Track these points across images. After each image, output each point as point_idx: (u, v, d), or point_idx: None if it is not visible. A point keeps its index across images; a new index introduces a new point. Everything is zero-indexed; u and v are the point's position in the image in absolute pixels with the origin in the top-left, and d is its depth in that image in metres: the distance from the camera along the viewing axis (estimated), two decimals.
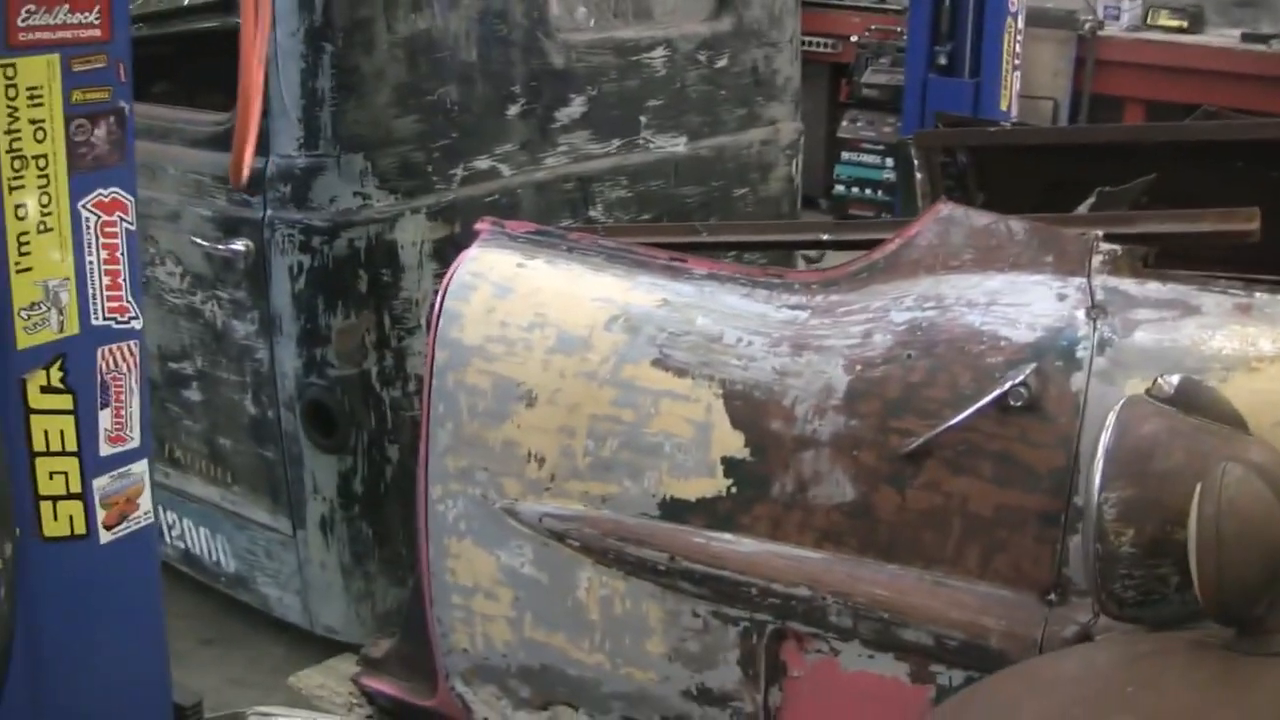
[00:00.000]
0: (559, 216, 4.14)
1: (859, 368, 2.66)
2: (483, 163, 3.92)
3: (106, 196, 2.46)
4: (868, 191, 8.93)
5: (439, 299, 3.09)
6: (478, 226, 3.20)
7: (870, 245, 2.94)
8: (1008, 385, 2.48)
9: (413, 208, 3.77)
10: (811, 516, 2.68)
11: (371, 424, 3.85)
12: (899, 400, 2.61)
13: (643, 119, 4.42)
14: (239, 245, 3.80)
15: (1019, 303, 2.59)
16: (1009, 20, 6.75)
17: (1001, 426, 2.51)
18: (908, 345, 2.65)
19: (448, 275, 3.11)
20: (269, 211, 3.72)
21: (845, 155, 9.04)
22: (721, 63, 4.68)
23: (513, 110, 3.98)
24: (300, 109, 3.64)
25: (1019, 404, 2.47)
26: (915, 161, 5.04)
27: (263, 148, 3.66)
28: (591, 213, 4.25)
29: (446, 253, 3.77)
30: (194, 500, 4.30)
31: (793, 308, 2.83)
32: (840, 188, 9.04)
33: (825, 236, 3.09)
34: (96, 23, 2.38)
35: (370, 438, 3.86)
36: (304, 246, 3.71)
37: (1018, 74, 6.88)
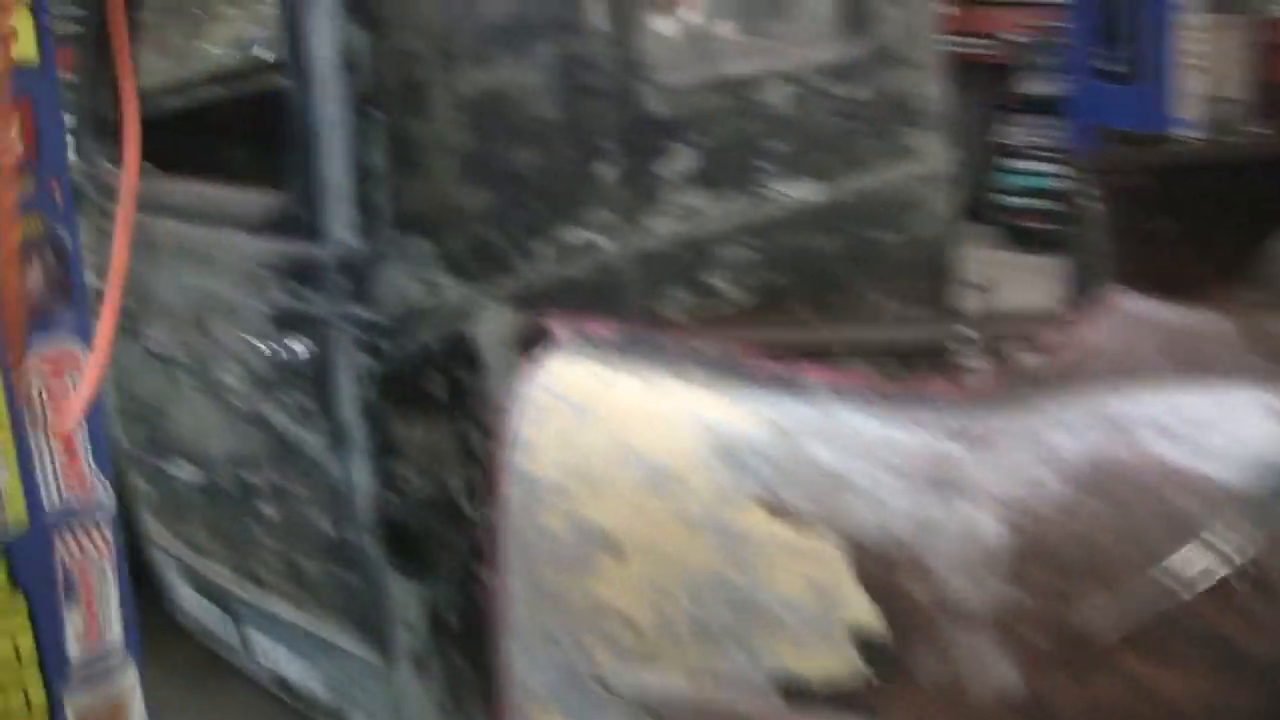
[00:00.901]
0: (673, 290, 3.56)
1: (1024, 519, 2.04)
2: (575, 235, 3.34)
3: (51, 352, 1.92)
4: (1039, 202, 8.21)
5: (507, 423, 2.52)
6: (551, 328, 2.62)
7: (1027, 338, 2.30)
8: (1219, 545, 1.83)
9: (493, 295, 3.19)
10: (967, 711, 2.05)
11: (462, 548, 3.28)
12: (1077, 564, 1.98)
13: (766, 165, 3.81)
14: (299, 346, 3.26)
15: (1231, 430, 1.93)
16: (1180, 14, 5.98)
17: (1214, 601, 1.86)
18: (1086, 489, 2.03)
19: (516, 393, 2.53)
20: (328, 307, 3.17)
21: (1012, 164, 8.34)
22: (855, 91, 4.04)
23: (607, 171, 3.40)
24: (352, 187, 3.09)
25: (1234, 571, 1.81)
26: (1088, 188, 4.38)
27: (316, 234, 3.12)
28: (712, 280, 3.65)
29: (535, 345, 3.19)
30: (280, 623, 3.79)
31: (935, 434, 2.21)
32: (1009, 199, 8.33)
33: (971, 332, 2.45)
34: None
35: (462, 563, 3.30)
36: (368, 347, 3.16)
37: (1198, 73, 6.10)
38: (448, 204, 3.16)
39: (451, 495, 3.28)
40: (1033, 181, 8.33)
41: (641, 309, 3.50)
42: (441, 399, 3.21)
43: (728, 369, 2.45)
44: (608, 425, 2.50)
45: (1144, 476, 2.03)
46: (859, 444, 2.26)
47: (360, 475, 3.31)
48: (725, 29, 4.59)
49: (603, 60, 3.39)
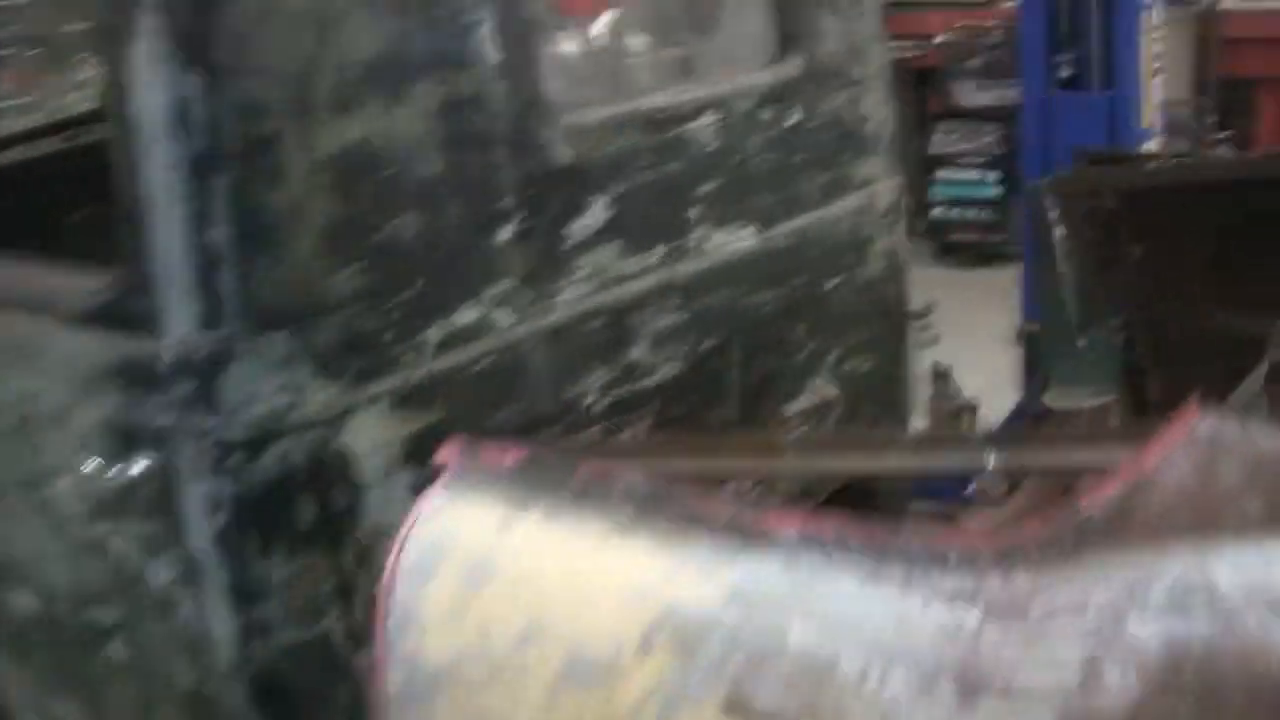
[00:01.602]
0: (588, 368, 2.95)
1: None
2: (468, 314, 2.75)
3: None
4: (970, 212, 7.70)
5: (383, 588, 1.92)
6: (439, 459, 2.03)
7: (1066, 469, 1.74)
8: None
9: (369, 397, 2.59)
10: None
11: (343, 702, 2.67)
12: None
13: (693, 213, 3.21)
14: (139, 464, 2.62)
15: None
16: (1144, 15, 5.42)
17: None
18: (1169, 688, 1.44)
19: (393, 547, 1.93)
20: (169, 417, 2.54)
21: (941, 174, 7.82)
22: (793, 118, 3.46)
23: (505, 233, 2.79)
24: (192, 271, 2.46)
25: None
26: (1052, 213, 3.85)
27: (152, 328, 2.50)
28: (633, 354, 3.05)
29: (428, 454, 2.59)
30: None
31: (952, 604, 1.62)
32: (937, 210, 7.81)
33: (991, 457, 1.87)
34: None
35: (349, 717, 2.69)
36: (219, 465, 2.55)
37: (1159, 80, 5.56)
38: (309, 287, 2.55)
39: (328, 641, 2.68)
40: (963, 190, 7.81)
41: (551, 397, 2.90)
42: (311, 527, 2.60)
43: (670, 514, 1.86)
44: (514, 591, 1.91)
45: (1254, 674, 1.44)
46: (848, 619, 1.69)
47: (217, 617, 2.70)
48: (638, 48, 3.98)
49: (495, 99, 2.78)
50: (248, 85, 2.47)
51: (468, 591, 1.95)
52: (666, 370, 3.16)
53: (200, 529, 2.63)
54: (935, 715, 1.60)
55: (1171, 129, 5.57)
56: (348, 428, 2.59)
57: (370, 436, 2.61)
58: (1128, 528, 1.63)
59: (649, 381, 3.14)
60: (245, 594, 2.66)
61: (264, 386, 2.52)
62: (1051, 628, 1.61)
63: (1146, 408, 4.36)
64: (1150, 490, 1.64)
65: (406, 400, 2.65)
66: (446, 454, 2.09)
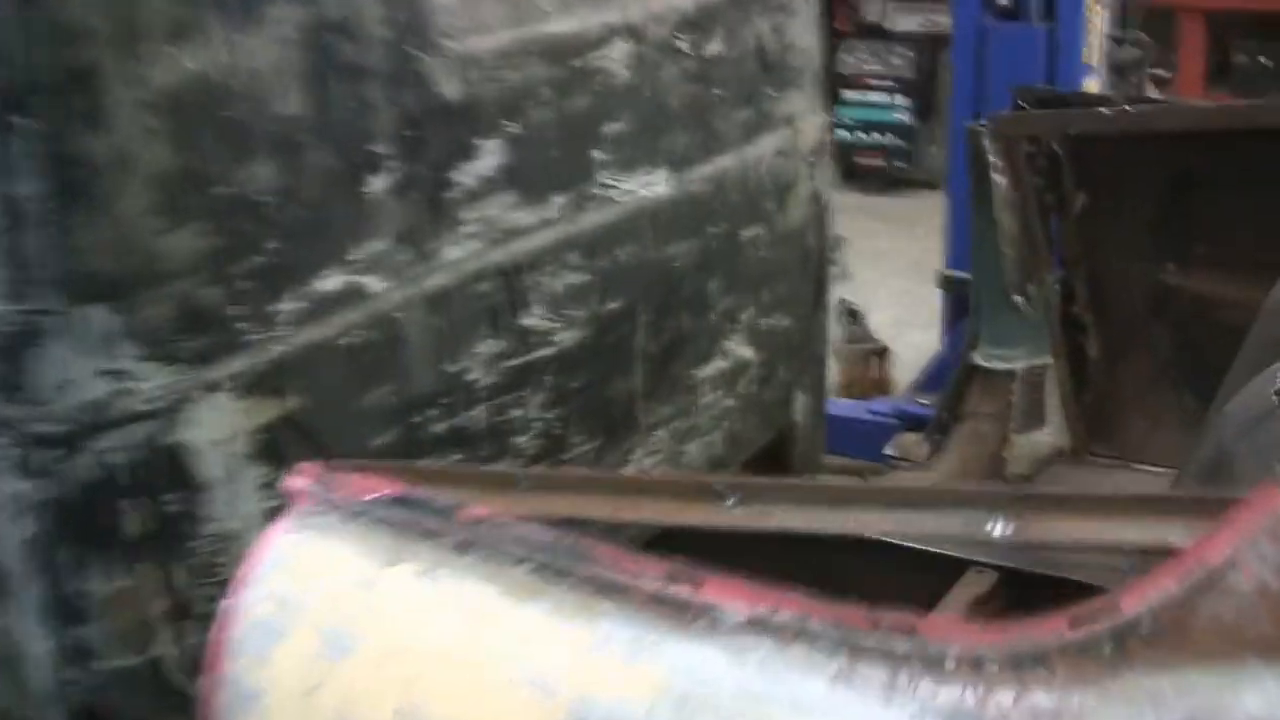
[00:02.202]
0: (474, 338, 2.51)
1: None
2: (331, 281, 2.29)
3: None
4: (876, 135, 7.34)
5: (213, 650, 1.49)
6: (289, 484, 1.59)
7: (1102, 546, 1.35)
8: None
9: (210, 383, 2.13)
10: None
11: None
12: None
13: (598, 156, 2.76)
14: None
15: None
16: None
17: None
18: None
19: (222, 611, 1.51)
20: None
21: (847, 95, 7.43)
22: (712, 47, 3.00)
23: (378, 184, 2.34)
24: None
25: None
26: (991, 156, 3.48)
27: None
28: (527, 320, 2.61)
29: (281, 449, 2.16)
30: None
31: None
32: (843, 133, 7.42)
33: (998, 525, 1.45)
34: None
35: None
36: (29, 464, 2.08)
37: (1102, 12, 5.15)
38: (137, 252, 2.08)
39: (159, 669, 2.24)
40: (870, 114, 7.44)
41: (431, 373, 2.46)
42: (139, 536, 2.16)
43: (581, 578, 1.43)
44: (382, 670, 1.48)
45: None
46: None
47: (30, 638, 2.24)
48: None
49: (372, 23, 2.31)
50: (60, 5, 1.98)
51: (323, 665, 1.52)
52: (565, 337, 2.74)
53: (7, 537, 2.18)
54: None
55: (1111, 65, 5.18)
56: (184, 419, 2.14)
57: (212, 429, 2.17)
58: (1187, 640, 1.23)
59: (545, 351, 2.71)
60: (61, 613, 2.22)
61: (82, 371, 2.08)
62: None
63: (1085, 371, 4.02)
64: (1218, 590, 1.24)
65: (256, 385, 2.21)
66: (297, 482, 1.64)
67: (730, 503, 1.57)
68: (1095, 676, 1.23)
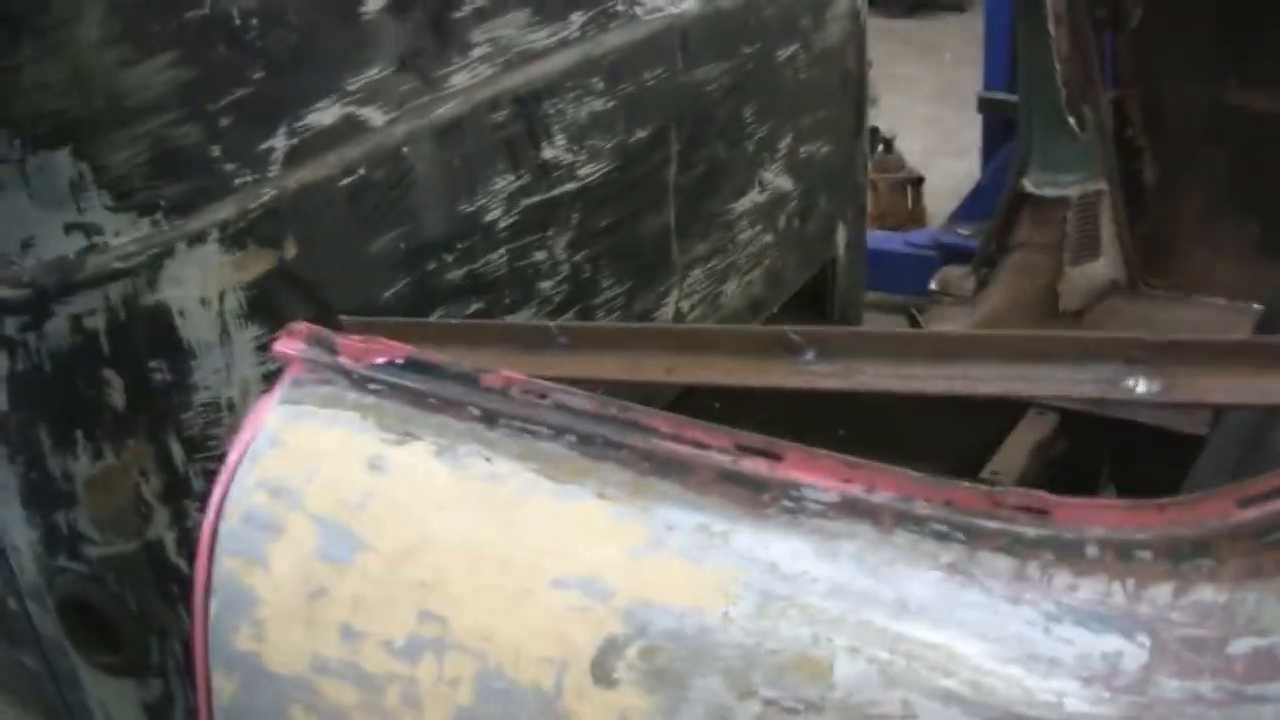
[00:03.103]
0: (490, 175, 2.23)
1: None
2: (326, 114, 2.01)
3: None
4: None
5: (201, 549, 1.25)
6: (279, 346, 1.33)
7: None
8: None
9: (192, 234, 1.87)
10: None
11: (182, 628, 2.02)
12: None
13: None
14: None
15: None
16: None
17: None
18: None
19: (213, 497, 1.26)
20: None
21: None
22: None
23: (376, 2, 2.04)
24: None
25: None
26: None
27: None
28: (546, 153, 2.33)
29: (278, 305, 1.91)
30: None
31: (1103, 633, 0.96)
32: None
33: (1140, 388, 1.18)
34: None
35: (186, 649, 2.03)
36: None
37: None
38: (103, 88, 1.80)
39: (157, 553, 2.00)
40: None
41: (444, 216, 2.19)
42: (123, 409, 1.90)
43: (634, 456, 1.17)
44: (396, 571, 1.23)
45: None
46: (928, 648, 1.02)
47: (16, 528, 2.01)
48: None
49: None
50: None
51: (327, 566, 1.27)
52: (590, 170, 2.46)
53: None
54: None
55: None
56: (166, 276, 1.89)
57: (198, 286, 1.91)
58: None
59: (569, 186, 2.44)
60: (44, 497, 1.98)
61: (46, 226, 1.81)
62: (1270, 689, 0.96)
63: (1141, 198, 3.73)
64: None
65: (246, 235, 1.95)
66: (290, 346, 1.38)
67: (809, 357, 1.31)
68: (1275, 567, 0.97)
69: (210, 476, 1.96)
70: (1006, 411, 3.18)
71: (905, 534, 1.12)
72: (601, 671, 1.14)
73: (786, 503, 1.15)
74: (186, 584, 2.01)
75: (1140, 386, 1.19)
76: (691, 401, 1.81)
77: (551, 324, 1.35)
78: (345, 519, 1.29)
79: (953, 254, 4.53)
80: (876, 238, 4.74)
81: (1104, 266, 3.91)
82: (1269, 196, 3.64)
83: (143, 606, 2.06)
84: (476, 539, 1.23)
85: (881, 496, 1.14)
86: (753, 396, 1.40)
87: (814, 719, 1.07)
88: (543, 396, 1.25)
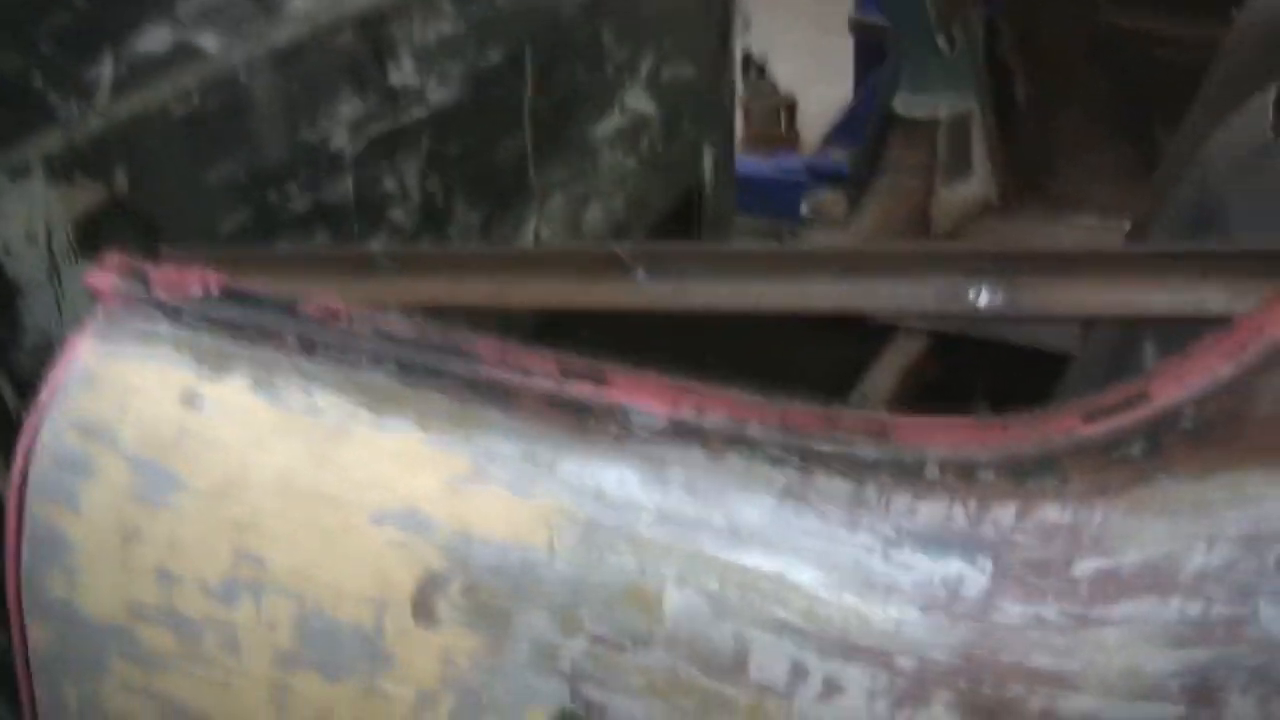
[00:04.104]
0: (334, 100, 2.15)
1: None
2: (156, 38, 1.92)
3: None
4: None
5: (13, 489, 1.18)
6: (91, 280, 1.26)
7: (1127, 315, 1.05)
8: None
9: (16, 166, 1.78)
10: None
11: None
12: None
13: None
14: None
15: None
16: None
17: None
18: None
19: (22, 438, 1.19)
20: None
21: None
22: None
23: None
24: None
25: None
26: None
27: None
28: (394, 77, 2.25)
29: (111, 240, 1.82)
30: None
31: (944, 555, 0.93)
32: None
33: (983, 293, 1.14)
34: None
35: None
36: None
37: None
38: None
39: None
40: None
41: (285, 143, 2.11)
42: None
43: (455, 382, 1.12)
44: (211, 509, 1.17)
45: None
46: (762, 577, 0.98)
47: None
48: None
49: None
50: None
51: (141, 507, 1.21)
52: (441, 95, 2.38)
53: None
54: None
55: None
56: None
57: (23, 221, 1.82)
58: (1242, 436, 0.94)
59: (418, 112, 2.36)
60: None
61: None
62: (1115, 611, 0.93)
63: (1014, 118, 3.71)
64: None
65: (74, 166, 1.86)
66: (102, 279, 1.30)
67: (640, 276, 1.25)
68: (1122, 484, 0.94)
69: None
70: (876, 335, 3.15)
71: (738, 458, 1.08)
72: (423, 610, 1.09)
73: (613, 428, 1.10)
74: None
75: (984, 299, 1.15)
76: (556, 333, 1.75)
77: (377, 249, 1.28)
78: (159, 457, 1.22)
79: (824, 178, 4.48)
80: (747, 163, 4.68)
81: (976, 187, 3.90)
82: (1142, 117, 3.64)
83: None
84: (294, 475, 1.17)
85: (712, 419, 1.09)
86: (617, 326, 1.35)
87: (643, 654, 1.02)
88: (361, 323, 1.19)
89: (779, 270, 1.24)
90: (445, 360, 1.16)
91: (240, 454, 1.19)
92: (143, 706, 1.22)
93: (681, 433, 1.09)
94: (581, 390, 1.11)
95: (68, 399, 1.27)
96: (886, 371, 2.91)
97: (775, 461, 1.06)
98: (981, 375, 3.16)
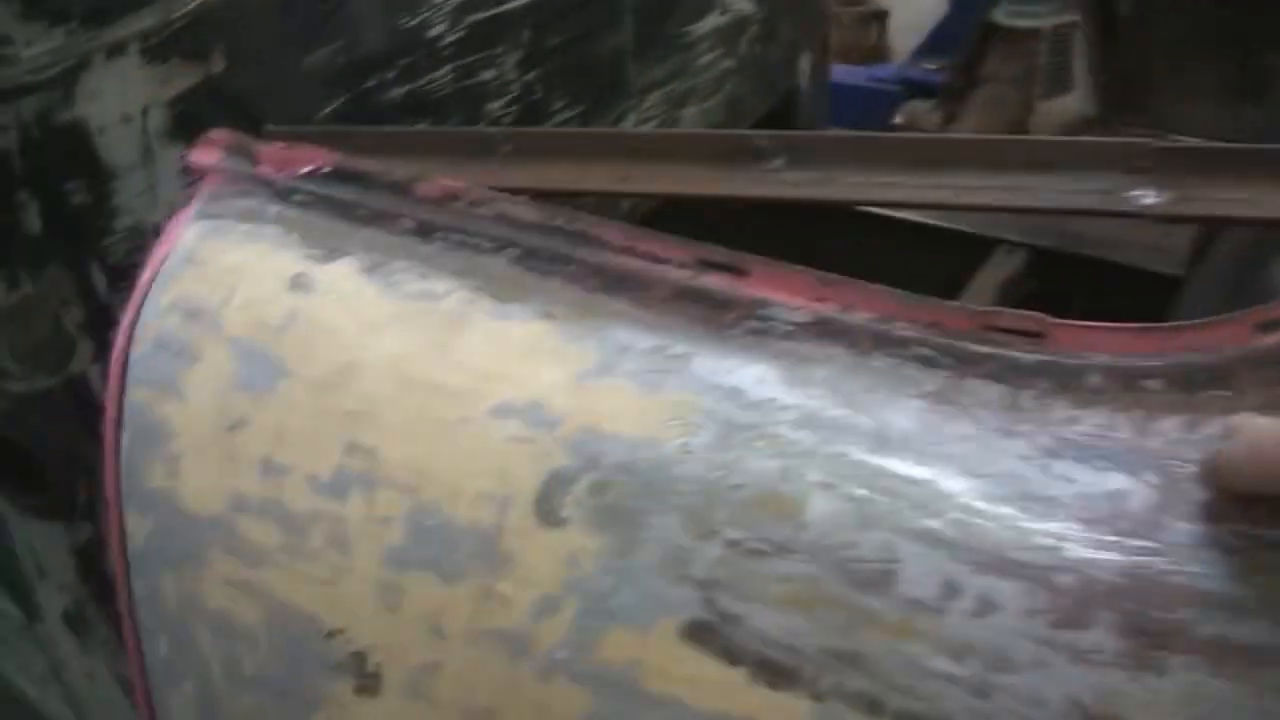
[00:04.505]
0: None
1: None
2: None
3: None
4: None
5: (112, 379, 1.13)
6: (195, 157, 1.20)
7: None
8: None
9: (111, 45, 1.72)
10: None
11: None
12: None
13: None
14: None
15: None
16: None
17: None
18: None
19: (123, 320, 1.14)
20: None
21: None
22: None
23: None
24: None
25: None
26: None
27: None
28: None
29: (206, 123, 1.76)
30: None
31: (1095, 460, 0.86)
32: None
33: (1149, 199, 1.05)
34: None
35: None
36: None
37: None
38: None
39: (80, 386, 1.87)
40: None
41: (384, 29, 2.04)
42: (39, 235, 1.76)
43: (585, 272, 1.05)
44: (321, 401, 1.11)
45: None
46: (914, 485, 0.92)
47: None
48: None
49: None
50: None
51: (246, 395, 1.15)
52: None
53: None
54: (1081, 678, 0.86)
55: None
56: (83, 91, 1.74)
57: (118, 102, 1.76)
58: None
59: (519, 1, 2.28)
60: None
61: None
62: None
63: (1117, 31, 3.59)
64: None
65: (169, 46, 1.79)
66: (206, 156, 1.24)
67: (777, 164, 1.18)
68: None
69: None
70: (973, 248, 3.07)
71: (885, 358, 1.01)
72: (547, 509, 1.03)
73: (752, 323, 1.04)
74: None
75: (1148, 197, 1.07)
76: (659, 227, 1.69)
77: (494, 129, 1.21)
78: (266, 343, 1.16)
79: (917, 89, 4.39)
80: (839, 72, 4.58)
81: (1075, 101, 3.78)
82: (1247, 36, 3.51)
83: (68, 445, 1.94)
84: (409, 364, 1.11)
85: (858, 317, 1.02)
86: (717, 224, 1.28)
87: (783, 562, 0.96)
88: (483, 206, 1.13)
89: (927, 161, 1.16)
90: (572, 246, 1.09)
91: (352, 341, 1.13)
92: (243, 602, 1.17)
93: (825, 330, 1.02)
94: (718, 281, 1.05)
95: (170, 280, 1.21)
96: (986, 285, 2.82)
97: (925, 363, 0.99)
98: (1080, 294, 3.07)
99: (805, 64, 3.27)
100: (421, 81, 2.13)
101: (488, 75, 2.25)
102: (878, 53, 5.37)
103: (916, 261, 2.70)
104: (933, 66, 4.62)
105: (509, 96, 2.31)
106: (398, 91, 2.11)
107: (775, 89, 3.19)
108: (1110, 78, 3.75)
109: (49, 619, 2.17)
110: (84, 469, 1.98)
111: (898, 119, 3.92)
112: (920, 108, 3.91)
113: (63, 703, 2.37)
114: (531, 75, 2.33)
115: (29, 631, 2.27)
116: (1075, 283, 3.10)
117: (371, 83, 2.06)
